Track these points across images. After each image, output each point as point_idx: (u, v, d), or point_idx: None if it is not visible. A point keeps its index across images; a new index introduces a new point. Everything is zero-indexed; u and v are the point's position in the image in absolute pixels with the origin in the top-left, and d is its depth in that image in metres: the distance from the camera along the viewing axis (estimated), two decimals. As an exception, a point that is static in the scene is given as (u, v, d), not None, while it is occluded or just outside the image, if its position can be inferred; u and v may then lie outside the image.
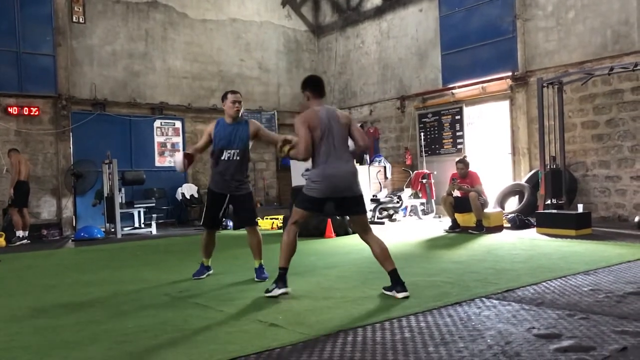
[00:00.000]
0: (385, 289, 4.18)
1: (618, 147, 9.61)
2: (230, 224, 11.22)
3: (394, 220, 11.35)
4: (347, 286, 4.63)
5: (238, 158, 5.07)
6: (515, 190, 10.46)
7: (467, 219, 8.68)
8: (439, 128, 12.60)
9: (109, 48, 12.49)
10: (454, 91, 12.22)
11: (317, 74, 15.78)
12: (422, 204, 11.92)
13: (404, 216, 11.88)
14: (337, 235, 8.72)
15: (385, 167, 12.58)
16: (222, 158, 5.05)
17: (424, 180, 12.02)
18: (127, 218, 11.40)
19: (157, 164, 13.09)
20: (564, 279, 4.56)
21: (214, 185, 5.18)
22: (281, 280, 4.24)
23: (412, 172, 12.52)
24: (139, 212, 11.55)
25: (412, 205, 11.92)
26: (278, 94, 15.18)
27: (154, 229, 11.15)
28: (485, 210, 8.66)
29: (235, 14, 14.43)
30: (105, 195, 10.84)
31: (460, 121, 12.17)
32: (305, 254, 6.83)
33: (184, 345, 3.10)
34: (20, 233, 9.96)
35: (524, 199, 9.96)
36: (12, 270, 6.79)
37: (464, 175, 8.75)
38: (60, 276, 6.14)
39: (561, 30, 10.34)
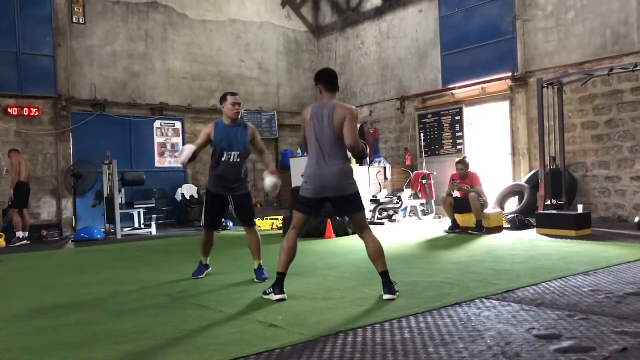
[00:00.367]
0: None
1: (618, 147, 9.62)
2: (231, 224, 11.25)
3: (394, 221, 11.35)
4: (347, 287, 4.63)
5: (238, 160, 5.11)
6: (515, 191, 10.46)
7: (467, 220, 8.68)
8: (439, 129, 12.60)
9: (109, 49, 12.50)
10: (454, 92, 12.22)
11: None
12: (422, 204, 11.92)
13: (404, 217, 11.88)
14: (337, 235, 8.72)
15: (385, 168, 12.58)
16: (223, 160, 5.07)
17: (424, 181, 12.02)
18: (127, 219, 11.40)
19: (157, 164, 13.10)
20: (564, 279, 4.56)
21: (212, 187, 5.20)
22: (278, 286, 4.20)
23: (412, 172, 12.52)
24: (139, 212, 11.55)
25: (412, 206, 11.92)
26: (278, 95, 15.19)
27: (154, 230, 11.15)
28: (485, 211, 8.66)
29: (235, 15, 14.44)
30: (105, 196, 10.84)
31: (460, 122, 12.17)
32: (305, 255, 6.82)
33: (184, 346, 3.10)
34: (20, 234, 9.96)
35: (524, 200, 9.96)
36: (12, 271, 6.79)
37: (464, 176, 8.75)
38: (60, 277, 6.15)
39: (561, 31, 10.35)
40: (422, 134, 12.82)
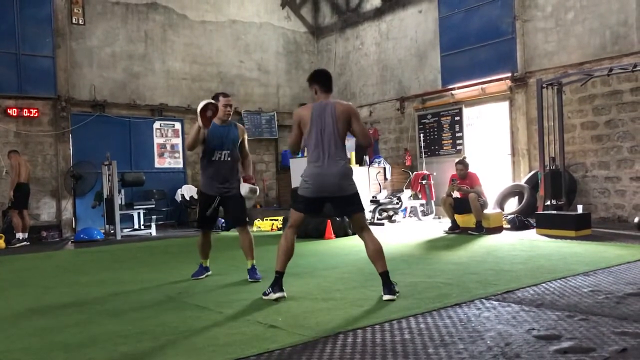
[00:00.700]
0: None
1: (617, 147, 9.62)
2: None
3: (394, 221, 11.35)
4: (346, 287, 4.63)
5: (229, 159, 5.15)
6: (514, 191, 10.45)
7: (466, 220, 8.68)
8: (439, 129, 12.61)
9: (109, 49, 12.50)
10: (453, 92, 12.22)
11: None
12: (421, 205, 11.92)
13: (404, 217, 11.88)
14: (337, 236, 8.72)
15: (384, 168, 12.58)
16: (214, 159, 5.10)
17: (424, 181, 12.02)
18: (127, 219, 11.41)
19: (156, 165, 13.10)
20: (563, 280, 4.56)
21: (205, 188, 5.23)
22: (277, 285, 4.21)
23: (412, 173, 12.52)
24: (139, 213, 11.55)
25: (411, 206, 11.92)
26: (277, 95, 15.19)
27: (153, 231, 11.15)
28: (485, 211, 8.66)
29: (234, 16, 14.44)
30: (105, 196, 10.84)
31: (460, 122, 12.17)
32: (305, 255, 6.83)
33: (183, 347, 3.10)
34: (20, 235, 9.95)
35: (524, 200, 9.95)
36: (11, 271, 6.79)
37: (464, 176, 8.76)
38: (60, 278, 6.15)
39: (560, 31, 10.35)
40: (421, 135, 12.82)
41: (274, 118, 14.86)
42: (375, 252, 4.14)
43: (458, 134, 12.22)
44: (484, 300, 3.91)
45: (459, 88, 12.11)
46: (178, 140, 13.41)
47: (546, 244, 7.06)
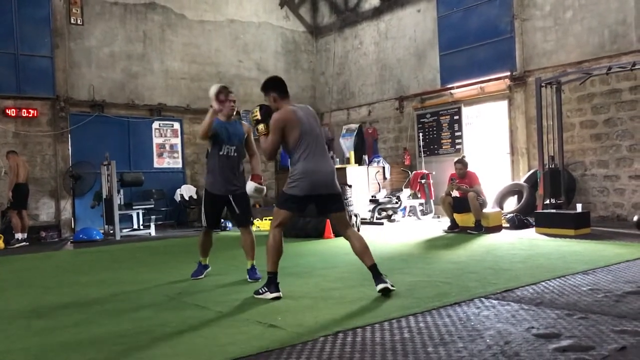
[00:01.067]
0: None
1: (616, 146, 9.63)
2: (229, 225, 11.23)
3: (393, 220, 11.35)
4: (346, 287, 4.63)
5: (235, 155, 5.18)
6: (514, 190, 10.46)
7: (466, 219, 8.68)
8: (438, 128, 12.61)
9: (107, 50, 12.49)
10: (452, 91, 12.23)
11: (315, 75, 15.89)
12: (421, 204, 11.92)
13: (403, 216, 11.89)
14: (336, 236, 8.71)
15: (384, 168, 12.59)
16: (222, 153, 5.11)
17: (423, 181, 12.02)
18: (126, 219, 11.40)
19: (155, 165, 13.09)
20: (563, 278, 4.56)
21: (211, 187, 5.20)
22: (272, 285, 4.22)
23: (411, 172, 12.52)
24: (138, 213, 11.55)
25: (411, 206, 11.92)
26: (276, 95, 15.15)
27: (152, 231, 11.14)
28: (484, 210, 8.66)
29: (233, 15, 14.44)
30: (104, 196, 10.84)
31: (459, 121, 12.17)
32: (304, 255, 6.83)
33: (183, 347, 3.10)
34: (19, 235, 9.95)
35: (523, 199, 9.96)
36: (11, 272, 6.79)
37: (463, 175, 8.76)
38: (59, 278, 6.15)
39: (559, 30, 10.35)
40: (420, 134, 12.82)
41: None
42: (362, 246, 4.25)
43: (457, 133, 12.22)
44: (483, 299, 3.91)
45: (458, 87, 12.11)
46: (177, 140, 13.40)
47: (545, 242, 7.06)
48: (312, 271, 5.56)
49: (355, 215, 9.16)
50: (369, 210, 11.08)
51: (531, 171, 10.38)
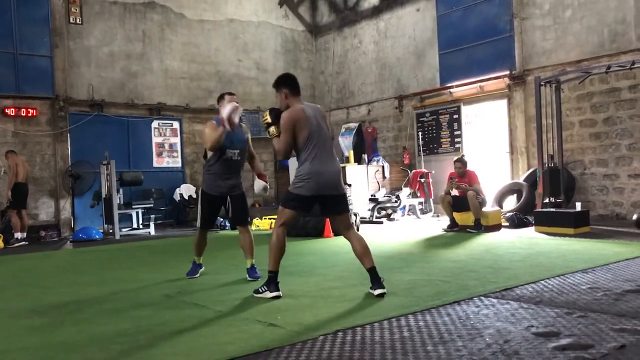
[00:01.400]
0: (371, 288, 4.20)
1: (616, 145, 9.63)
2: (228, 224, 11.23)
3: (393, 219, 11.35)
4: (345, 286, 4.63)
5: (239, 158, 5.19)
6: (513, 189, 10.47)
7: (465, 218, 8.68)
8: (437, 127, 12.61)
9: (106, 49, 12.48)
10: (451, 90, 12.22)
11: (315, 74, 15.89)
12: (420, 203, 11.93)
13: (403, 215, 11.89)
14: (336, 235, 8.71)
15: (383, 167, 12.59)
16: (226, 157, 5.09)
17: (422, 180, 12.03)
18: (125, 219, 11.40)
19: (155, 164, 13.08)
20: (562, 277, 4.57)
21: (208, 188, 5.20)
22: (272, 284, 4.23)
23: (410, 171, 12.52)
24: (137, 213, 11.54)
25: (410, 205, 11.93)
26: (276, 94, 15.14)
27: (152, 230, 11.15)
28: (484, 209, 8.67)
29: (232, 15, 14.43)
30: (103, 196, 10.84)
31: (458, 120, 12.18)
32: (304, 254, 6.84)
33: (183, 346, 3.10)
34: (18, 235, 9.94)
35: (522, 198, 9.97)
36: (10, 271, 6.78)
37: (462, 174, 8.76)
38: (58, 277, 6.15)
39: (558, 29, 10.35)
40: (420, 133, 12.82)
41: (272, 117, 14.81)
42: (363, 248, 4.24)
43: (456, 132, 12.22)
44: (482, 298, 3.91)
45: (457, 86, 12.11)
46: (176, 140, 13.39)
47: (545, 241, 7.07)
48: (312, 270, 5.57)
49: (355, 215, 9.16)
50: (369, 209, 11.07)
51: (530, 170, 10.38)
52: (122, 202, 11.17)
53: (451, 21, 12.30)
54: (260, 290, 4.28)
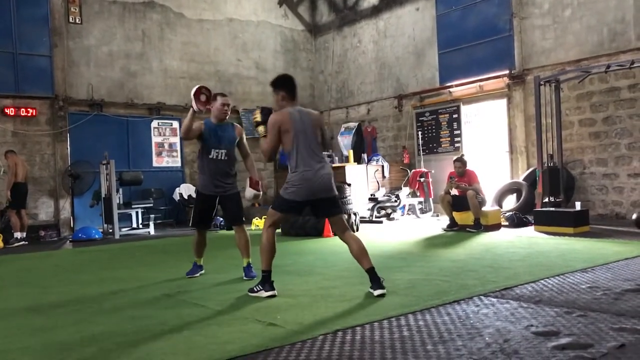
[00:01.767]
0: (370, 288, 4.19)
1: (615, 144, 9.63)
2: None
3: (392, 219, 11.35)
4: (345, 285, 4.63)
5: (226, 158, 5.18)
6: (513, 189, 10.47)
7: (465, 218, 8.69)
8: (437, 127, 12.61)
9: (106, 48, 12.47)
10: (451, 90, 12.22)
11: (314, 73, 15.88)
12: (420, 202, 11.93)
13: (402, 215, 11.89)
14: (335, 234, 8.70)
15: (383, 166, 12.59)
16: (211, 157, 5.12)
17: (422, 179, 12.03)
18: (125, 219, 11.39)
19: (154, 164, 13.07)
20: (562, 276, 4.57)
21: (202, 187, 5.23)
22: (267, 283, 4.25)
23: (410, 170, 12.52)
24: (137, 212, 11.53)
25: (410, 204, 11.93)
26: (275, 94, 15.14)
27: (152, 230, 11.15)
28: (483, 209, 8.67)
29: (232, 14, 14.42)
30: (103, 196, 10.83)
31: (458, 120, 12.18)
32: (304, 254, 6.84)
33: (182, 345, 3.10)
34: (18, 234, 9.94)
35: (522, 197, 9.97)
36: (10, 271, 6.78)
37: (462, 173, 8.76)
38: (58, 277, 6.14)
39: (558, 29, 10.35)
40: (419, 132, 12.82)
41: (272, 116, 14.80)
42: (360, 249, 4.24)
43: (456, 132, 12.22)
44: (482, 297, 3.91)
45: (456, 86, 12.11)
46: (176, 139, 13.38)
47: (544, 240, 7.07)
48: (312, 269, 5.57)
49: (355, 214, 9.16)
50: (368, 209, 11.07)
51: (530, 169, 10.39)
52: (121, 202, 11.16)
53: (451, 21, 12.30)
54: (255, 290, 4.29)
